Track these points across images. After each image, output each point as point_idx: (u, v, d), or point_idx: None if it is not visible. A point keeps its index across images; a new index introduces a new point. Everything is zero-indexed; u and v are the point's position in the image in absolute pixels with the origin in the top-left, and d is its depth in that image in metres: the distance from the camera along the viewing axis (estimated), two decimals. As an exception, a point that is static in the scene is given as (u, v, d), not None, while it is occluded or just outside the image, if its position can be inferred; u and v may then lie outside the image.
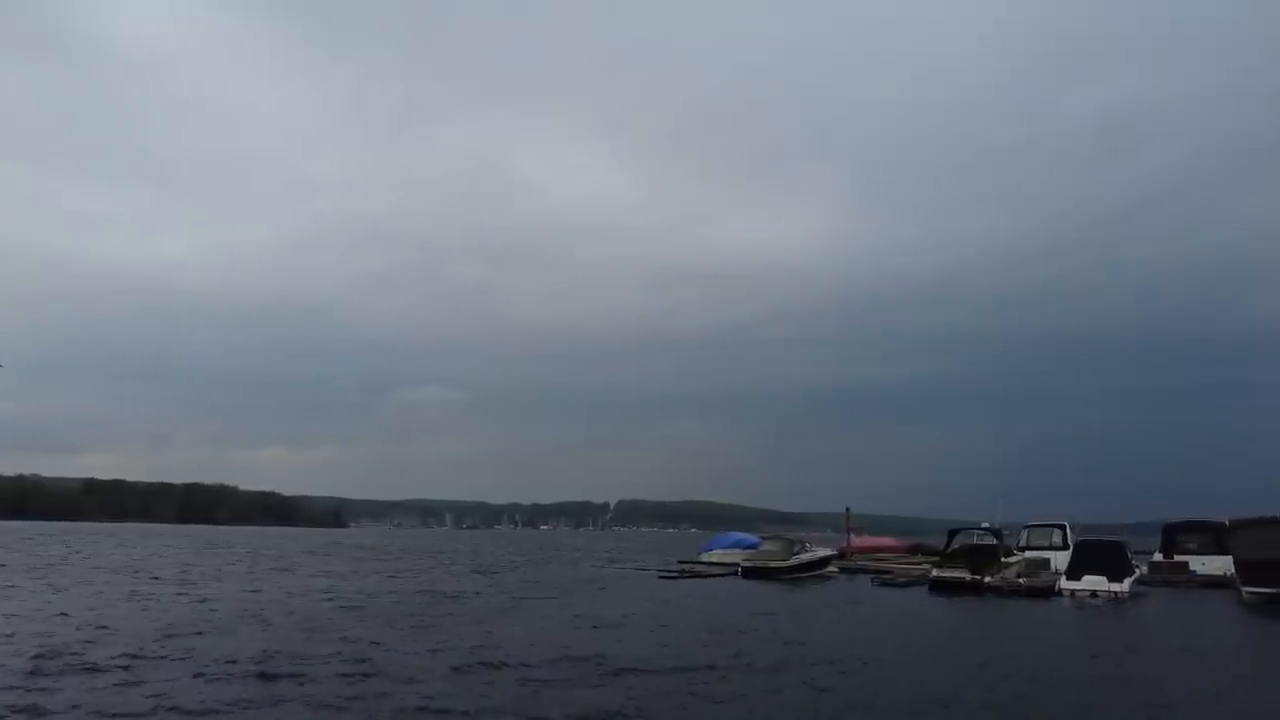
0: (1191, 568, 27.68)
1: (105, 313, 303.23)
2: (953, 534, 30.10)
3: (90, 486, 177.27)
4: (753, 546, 35.89)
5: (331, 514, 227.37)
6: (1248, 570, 22.01)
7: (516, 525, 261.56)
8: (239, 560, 36.96)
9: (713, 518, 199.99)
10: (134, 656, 10.94)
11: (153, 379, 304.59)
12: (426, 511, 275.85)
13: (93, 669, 10.10)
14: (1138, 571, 24.42)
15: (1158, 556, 29.28)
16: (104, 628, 13.60)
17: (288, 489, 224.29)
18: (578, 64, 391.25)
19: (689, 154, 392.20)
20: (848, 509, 42.93)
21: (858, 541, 42.43)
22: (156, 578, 25.10)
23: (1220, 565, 25.52)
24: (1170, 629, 17.64)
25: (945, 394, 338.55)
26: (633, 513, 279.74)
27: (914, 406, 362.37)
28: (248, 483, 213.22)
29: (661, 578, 29.97)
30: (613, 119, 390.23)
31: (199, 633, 13.26)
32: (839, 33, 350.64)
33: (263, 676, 9.74)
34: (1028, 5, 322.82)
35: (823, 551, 33.04)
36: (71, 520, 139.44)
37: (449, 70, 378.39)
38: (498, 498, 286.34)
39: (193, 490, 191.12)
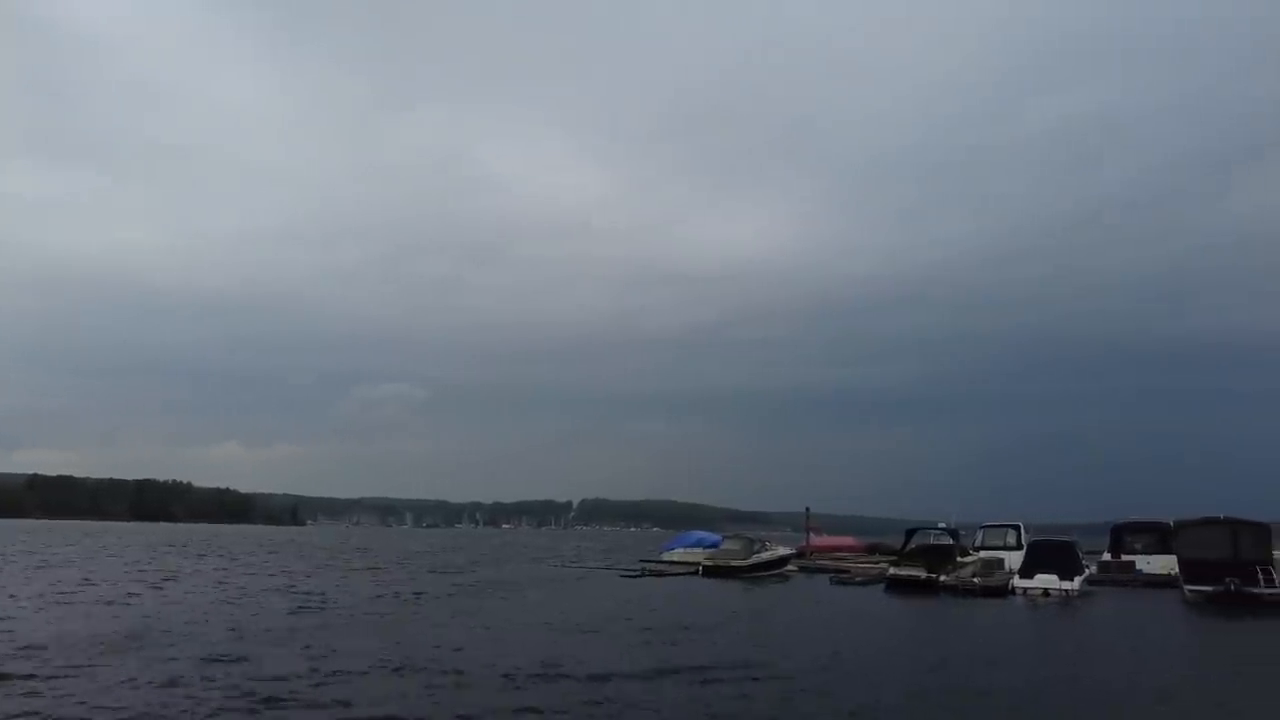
0: (1138, 567, 28.45)
1: (53, 303, 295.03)
2: (910, 534, 30.51)
3: (34, 482, 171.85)
4: (714, 545, 35.99)
5: (289, 512, 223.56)
6: (1190, 569, 22.70)
7: (477, 524, 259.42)
8: (187, 559, 36.03)
9: (676, 517, 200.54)
10: (74, 667, 10.54)
11: (104, 373, 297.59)
12: (386, 510, 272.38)
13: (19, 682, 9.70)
14: (1088, 571, 25.03)
15: (1106, 556, 30.08)
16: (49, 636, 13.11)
17: (244, 486, 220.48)
18: (553, 59, 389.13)
19: (664, 153, 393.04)
20: (807, 509, 43.32)
21: (817, 541, 42.86)
22: (90, 579, 24.34)
23: (1165, 564, 26.26)
24: (1117, 628, 18.06)
25: (913, 396, 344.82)
26: (596, 512, 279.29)
27: (880, 408, 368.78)
28: (203, 479, 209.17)
29: (623, 577, 29.91)
30: (587, 116, 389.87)
31: (137, 640, 12.83)
32: (819, 34, 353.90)
33: (204, 692, 9.42)
34: (1015, 9, 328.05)
35: (782, 550, 33.31)
36: (13, 518, 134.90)
37: (419, 62, 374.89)
38: (458, 496, 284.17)
39: (144, 487, 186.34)
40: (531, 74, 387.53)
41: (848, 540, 49.38)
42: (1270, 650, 15.55)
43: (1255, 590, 21.12)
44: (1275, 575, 21.66)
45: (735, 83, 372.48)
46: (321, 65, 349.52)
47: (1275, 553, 23.30)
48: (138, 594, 19.76)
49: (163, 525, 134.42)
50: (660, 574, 31.44)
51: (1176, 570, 23.79)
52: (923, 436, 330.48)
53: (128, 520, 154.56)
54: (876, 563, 33.64)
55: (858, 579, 28.63)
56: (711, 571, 30.45)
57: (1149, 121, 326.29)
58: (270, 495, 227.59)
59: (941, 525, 31.34)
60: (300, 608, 17.38)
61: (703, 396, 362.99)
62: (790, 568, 32.77)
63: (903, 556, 27.60)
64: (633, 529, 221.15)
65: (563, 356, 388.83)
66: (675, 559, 36.35)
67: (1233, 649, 15.51)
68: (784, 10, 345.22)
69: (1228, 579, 21.43)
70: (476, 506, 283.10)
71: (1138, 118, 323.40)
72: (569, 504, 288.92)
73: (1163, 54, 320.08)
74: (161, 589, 21.42)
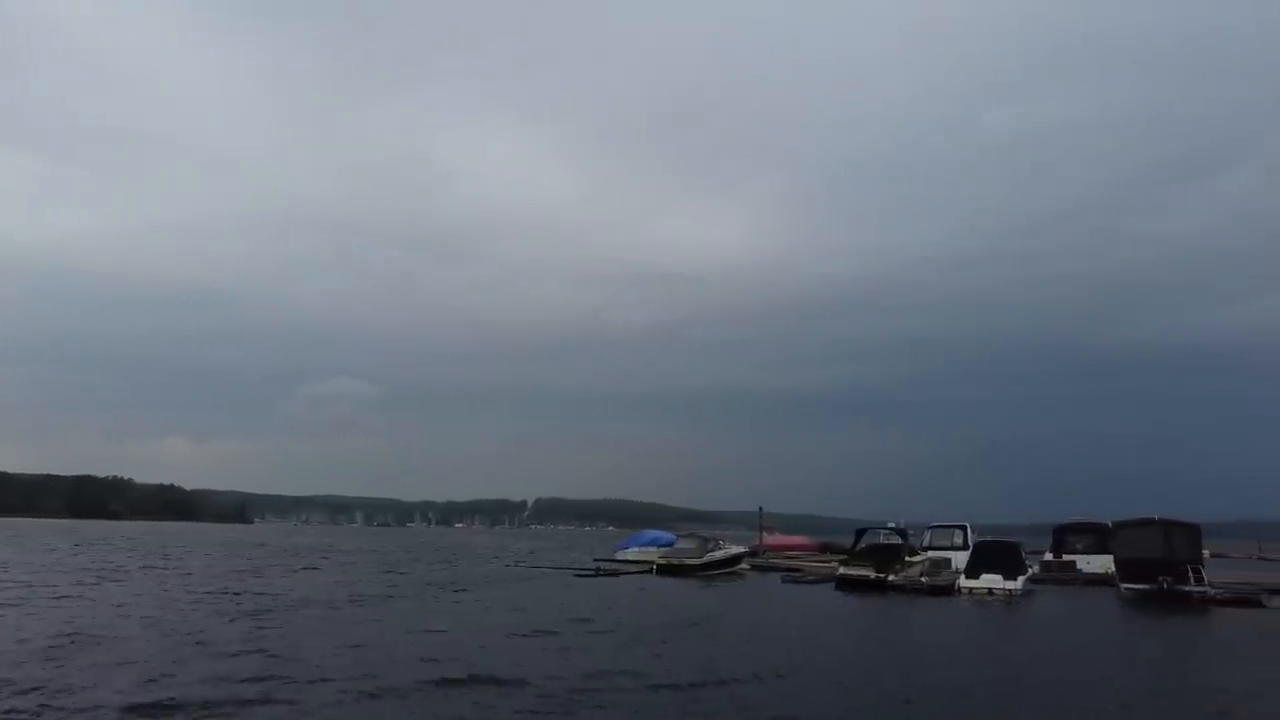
0: (1078, 566, 29.39)
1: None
2: (860, 533, 30.98)
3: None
4: (669, 544, 36.18)
5: (236, 509, 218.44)
6: (1125, 568, 23.56)
7: (430, 523, 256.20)
8: (117, 558, 34.86)
9: (632, 516, 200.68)
10: None
11: (42, 365, 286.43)
12: (336, 508, 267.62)
13: None
14: (1031, 570, 25.74)
15: (1048, 556, 31.02)
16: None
17: (190, 483, 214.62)
18: (521, 53, 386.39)
19: (631, 151, 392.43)
20: (760, 508, 43.81)
21: (770, 540, 43.35)
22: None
23: (1103, 564, 27.17)
24: (1058, 626, 18.60)
25: (876, 399, 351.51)
26: (550, 511, 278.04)
27: (838, 409, 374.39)
28: (146, 476, 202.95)
29: (577, 576, 29.82)
30: (553, 112, 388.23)
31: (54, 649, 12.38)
32: (805, 37, 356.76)
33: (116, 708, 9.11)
34: (1001, 12, 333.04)
35: (735, 549, 33.63)
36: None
37: (387, 54, 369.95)
38: (411, 495, 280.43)
39: (82, 483, 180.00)
40: (496, 67, 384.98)
41: (800, 539, 50.14)
42: (1198, 645, 16.22)
43: (1186, 588, 22.01)
44: (1205, 573, 22.61)
45: (715, 82, 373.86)
46: (285, 54, 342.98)
47: (1204, 552, 24.35)
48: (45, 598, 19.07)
49: (99, 522, 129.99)
50: (615, 573, 31.45)
51: (1113, 569, 24.64)
52: (878, 438, 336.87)
53: (64, 518, 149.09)
54: (827, 561, 34.15)
55: (809, 578, 29.02)
56: (666, 570, 30.58)
57: (1137, 125, 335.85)
58: (217, 492, 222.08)
59: (891, 525, 31.91)
60: (238, 614, 16.92)
61: (661, 396, 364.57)
62: (743, 566, 33.10)
63: (852, 556, 28.03)
64: (588, 528, 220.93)
65: (519, 354, 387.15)
66: (630, 558, 36.44)
67: (1164, 644, 16.11)
68: (767, 11, 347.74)
69: (1161, 577, 22.30)
70: (429, 505, 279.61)
71: (1126, 121, 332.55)
72: (524, 503, 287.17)
73: (1159, 58, 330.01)
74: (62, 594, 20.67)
